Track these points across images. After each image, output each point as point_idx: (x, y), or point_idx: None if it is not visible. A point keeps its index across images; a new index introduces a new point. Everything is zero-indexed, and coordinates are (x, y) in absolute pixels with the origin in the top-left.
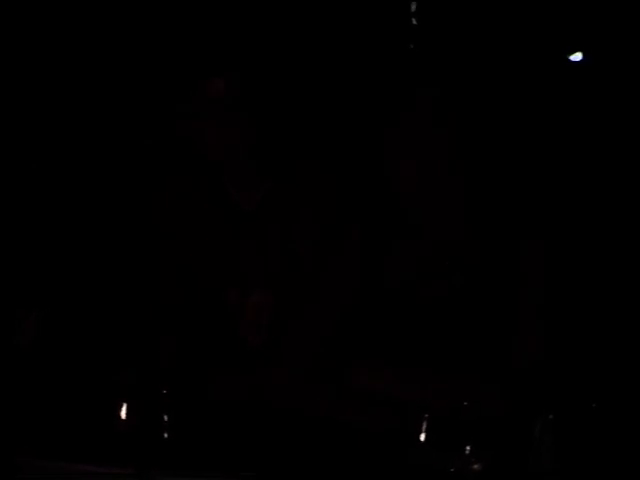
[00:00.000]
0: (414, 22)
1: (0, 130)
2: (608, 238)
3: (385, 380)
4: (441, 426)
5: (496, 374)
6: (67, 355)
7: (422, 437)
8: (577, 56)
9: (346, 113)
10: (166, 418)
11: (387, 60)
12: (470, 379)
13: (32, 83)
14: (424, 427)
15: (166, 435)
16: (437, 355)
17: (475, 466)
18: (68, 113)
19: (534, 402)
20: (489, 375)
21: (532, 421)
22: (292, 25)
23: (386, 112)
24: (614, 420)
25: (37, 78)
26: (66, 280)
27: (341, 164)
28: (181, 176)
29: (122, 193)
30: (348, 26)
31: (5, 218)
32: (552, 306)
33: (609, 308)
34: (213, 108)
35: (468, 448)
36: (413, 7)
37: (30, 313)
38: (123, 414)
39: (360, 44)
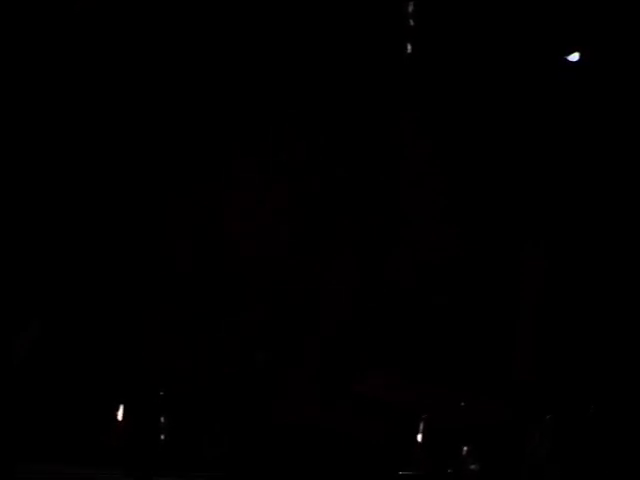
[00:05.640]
0: (414, 25)
1: (0, 130)
2: (607, 247)
3: (386, 387)
4: (440, 432)
5: (496, 381)
6: (67, 359)
7: (421, 441)
8: (574, 56)
9: (347, 116)
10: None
11: (387, 63)
12: (470, 386)
13: (33, 84)
14: (423, 432)
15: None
16: (438, 362)
17: (474, 470)
18: (68, 113)
19: (533, 407)
20: (490, 382)
21: (530, 426)
22: (295, 29)
23: (386, 114)
24: (612, 425)
25: (38, 79)
26: (66, 288)
27: (341, 165)
28: (181, 176)
29: (122, 194)
30: (348, 30)
31: (5, 221)
32: (552, 311)
33: (608, 314)
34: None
35: (467, 452)
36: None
37: (30, 321)
38: (120, 418)
39: (361, 46)
